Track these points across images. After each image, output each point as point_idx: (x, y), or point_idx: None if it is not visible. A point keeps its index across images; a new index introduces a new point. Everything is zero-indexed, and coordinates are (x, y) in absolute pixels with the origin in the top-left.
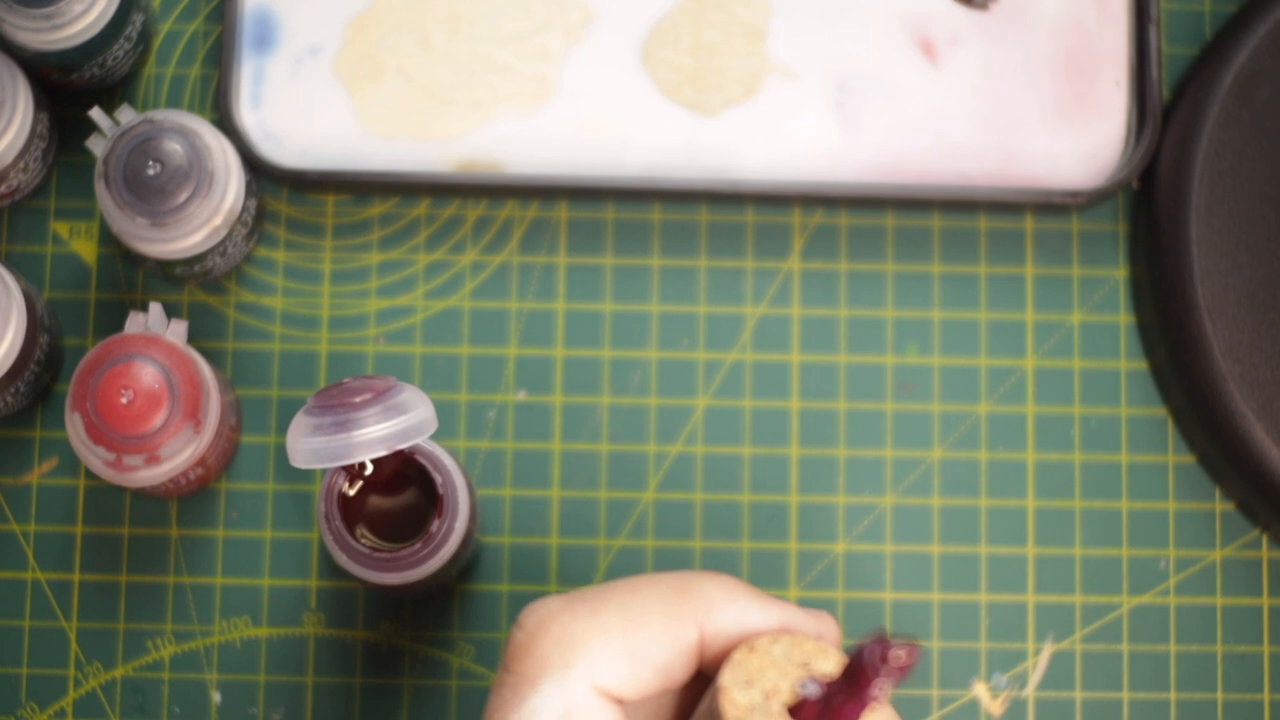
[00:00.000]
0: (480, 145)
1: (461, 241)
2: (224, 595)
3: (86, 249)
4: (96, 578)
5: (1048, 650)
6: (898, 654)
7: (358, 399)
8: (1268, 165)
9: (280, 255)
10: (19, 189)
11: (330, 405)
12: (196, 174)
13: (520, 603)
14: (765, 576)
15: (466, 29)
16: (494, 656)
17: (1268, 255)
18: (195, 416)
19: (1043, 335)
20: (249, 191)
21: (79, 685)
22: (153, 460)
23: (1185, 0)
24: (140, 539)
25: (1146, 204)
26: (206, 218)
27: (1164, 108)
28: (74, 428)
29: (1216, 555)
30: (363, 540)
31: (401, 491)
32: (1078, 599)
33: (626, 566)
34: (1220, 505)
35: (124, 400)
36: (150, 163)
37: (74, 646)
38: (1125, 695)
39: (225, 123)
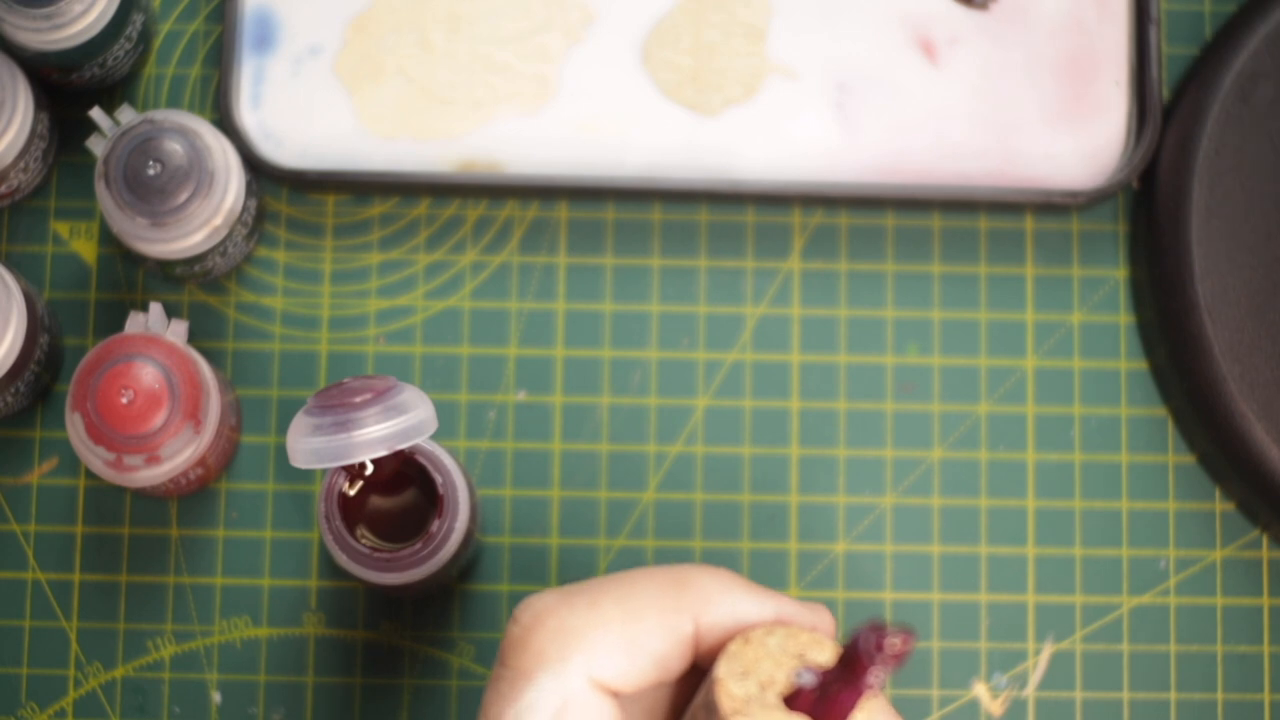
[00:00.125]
0: (480, 145)
1: (461, 241)
2: (224, 595)
3: (86, 249)
4: (96, 578)
5: (1048, 650)
6: (893, 642)
7: (358, 399)
8: (1268, 165)
9: (280, 255)
10: (19, 189)
11: (330, 405)
12: (196, 174)
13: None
14: (765, 576)
15: (466, 29)
16: (494, 656)
17: (1268, 255)
18: (195, 416)
19: (1043, 335)
20: (249, 191)
21: (79, 685)
22: (153, 460)
23: (1185, 0)
24: (140, 539)
25: (1146, 204)
26: (206, 218)
27: (1164, 108)
28: (74, 428)
29: (1216, 555)
30: (363, 540)
31: (401, 491)
32: (1078, 599)
33: (626, 566)
34: (1220, 505)
35: (124, 400)
36: (150, 163)
37: (74, 646)
38: (1125, 695)
39: (225, 123)
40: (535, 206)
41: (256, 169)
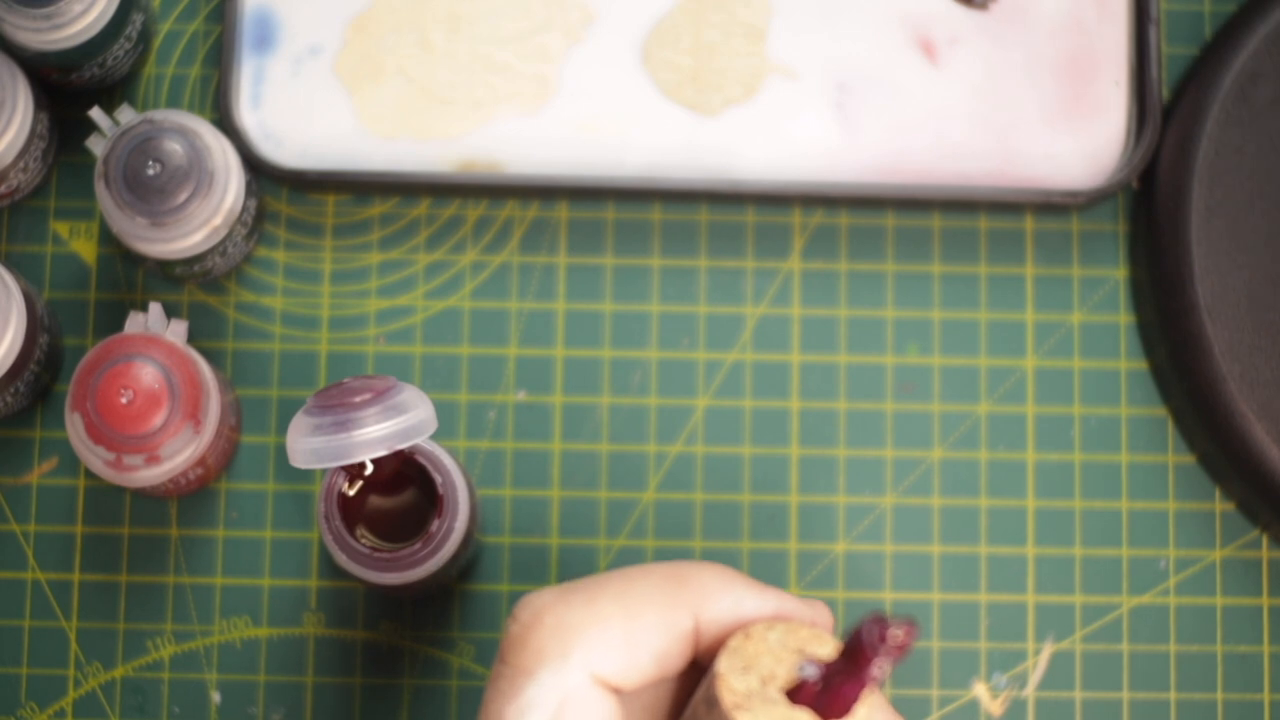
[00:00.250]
0: (480, 145)
1: (461, 241)
2: (224, 595)
3: (86, 249)
4: (96, 578)
5: (1048, 650)
6: (895, 633)
7: (358, 399)
8: (1268, 165)
9: (280, 255)
10: (19, 189)
11: (330, 405)
12: (196, 174)
13: None
14: (765, 576)
15: (466, 29)
16: (494, 656)
17: (1268, 255)
18: (195, 416)
19: (1043, 335)
20: (249, 191)
21: (79, 685)
22: (153, 460)
23: (1185, 0)
24: (140, 539)
25: (1146, 204)
26: (206, 218)
27: (1164, 108)
28: (74, 428)
29: (1216, 555)
30: (363, 540)
31: (401, 491)
32: (1078, 599)
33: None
34: (1220, 505)
35: (124, 400)
36: (150, 163)
37: (74, 646)
38: (1125, 695)
39: (225, 123)
40: (535, 206)
41: (256, 169)
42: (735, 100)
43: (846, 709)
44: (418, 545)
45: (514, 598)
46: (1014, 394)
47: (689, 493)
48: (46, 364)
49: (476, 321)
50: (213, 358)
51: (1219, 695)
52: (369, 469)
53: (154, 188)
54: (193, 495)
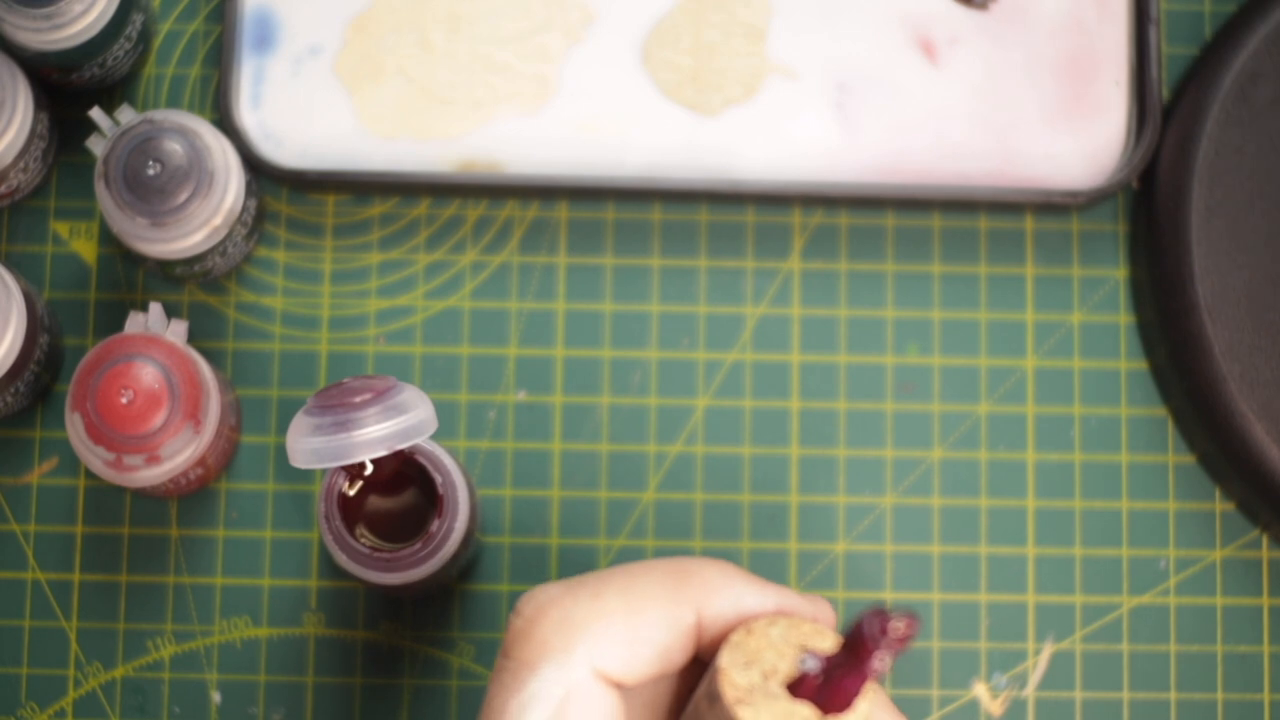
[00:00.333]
0: (480, 145)
1: (461, 241)
2: (224, 595)
3: (86, 249)
4: (96, 578)
5: (1048, 650)
6: (896, 625)
7: (358, 399)
8: (1268, 165)
9: (280, 255)
10: (19, 189)
11: (330, 405)
12: (196, 174)
13: None
14: (765, 576)
15: (466, 29)
16: (494, 656)
17: (1268, 255)
18: (195, 416)
19: (1043, 335)
20: (249, 191)
21: (79, 685)
22: (153, 460)
23: (1185, 0)
24: (140, 539)
25: (1146, 204)
26: (206, 218)
27: (1164, 108)
28: (74, 428)
29: (1216, 555)
30: (363, 540)
31: (401, 491)
32: (1078, 599)
33: None
34: (1220, 505)
35: (124, 400)
36: (150, 163)
37: (74, 646)
38: (1125, 695)
39: (225, 123)
40: (535, 206)
41: (256, 169)
42: (735, 100)
43: (848, 703)
44: (418, 545)
45: (514, 598)
46: (1014, 394)
47: (689, 493)
48: (47, 364)
49: (476, 321)
50: (213, 358)
51: (1219, 695)
52: (369, 469)
53: (154, 188)
54: (193, 495)
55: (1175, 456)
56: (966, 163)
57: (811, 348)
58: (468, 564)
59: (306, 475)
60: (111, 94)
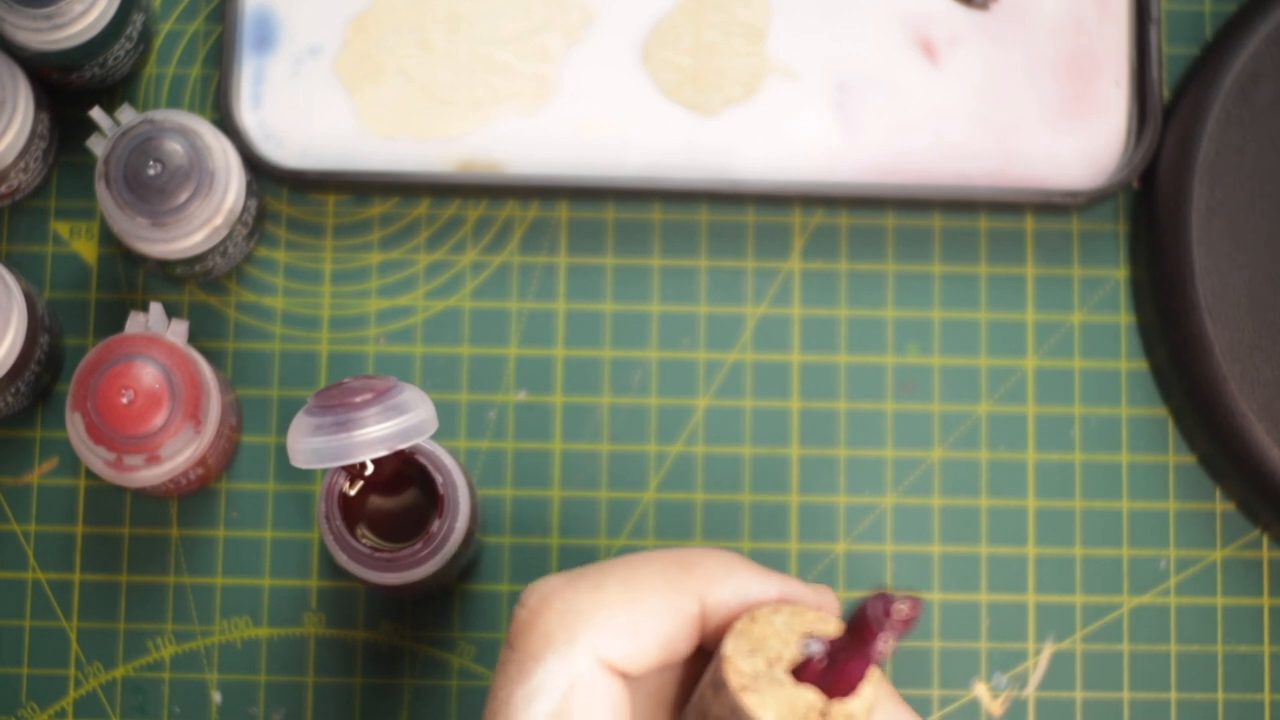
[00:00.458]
0: (480, 145)
1: (462, 241)
2: (224, 595)
3: (87, 249)
4: (97, 578)
5: (1048, 650)
6: (900, 608)
7: (358, 399)
8: (1268, 165)
9: (280, 255)
10: (19, 189)
11: (330, 405)
12: (197, 174)
13: None
14: None
15: (466, 29)
16: (494, 656)
17: (1268, 255)
18: (195, 416)
19: (1043, 335)
20: (249, 191)
21: (79, 685)
22: (153, 460)
23: (1185, 0)
24: (140, 539)
25: (1146, 204)
26: (207, 218)
27: (1164, 108)
28: (74, 428)
29: (1216, 555)
30: (363, 540)
31: (402, 491)
32: (1078, 599)
33: None
34: (1220, 505)
35: (124, 400)
36: (150, 163)
37: (74, 646)
38: (1125, 695)
39: (225, 123)
40: (535, 206)
41: (256, 169)
42: (735, 100)
43: (852, 687)
44: (418, 545)
45: (514, 598)
46: (1014, 394)
47: (689, 493)
48: (47, 364)
49: (477, 321)
50: (213, 358)
51: (1219, 695)
52: (370, 469)
53: (154, 188)
54: (193, 495)
55: (1175, 456)
56: (966, 163)
57: (812, 348)
58: (468, 564)
59: (307, 475)
60: (112, 94)
